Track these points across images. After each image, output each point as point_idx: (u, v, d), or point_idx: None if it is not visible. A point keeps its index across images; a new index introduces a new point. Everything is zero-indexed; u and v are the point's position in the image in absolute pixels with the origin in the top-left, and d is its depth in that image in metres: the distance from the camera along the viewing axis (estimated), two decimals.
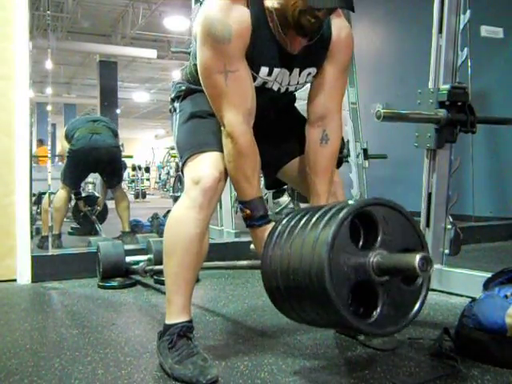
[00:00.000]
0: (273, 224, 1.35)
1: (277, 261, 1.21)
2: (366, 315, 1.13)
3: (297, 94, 1.63)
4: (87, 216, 4.40)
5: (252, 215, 1.41)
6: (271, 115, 1.59)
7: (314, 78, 1.51)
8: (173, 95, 1.63)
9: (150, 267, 2.40)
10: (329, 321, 1.17)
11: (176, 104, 1.61)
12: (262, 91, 1.44)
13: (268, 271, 1.25)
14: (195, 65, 1.46)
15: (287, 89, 1.49)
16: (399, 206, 1.19)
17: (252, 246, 1.49)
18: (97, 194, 4.26)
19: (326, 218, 1.13)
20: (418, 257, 1.04)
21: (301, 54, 1.43)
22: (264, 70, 1.41)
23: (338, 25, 1.49)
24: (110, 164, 3.85)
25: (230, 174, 1.42)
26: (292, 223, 1.23)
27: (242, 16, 1.34)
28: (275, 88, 1.47)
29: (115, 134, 3.95)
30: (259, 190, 1.41)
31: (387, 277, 1.13)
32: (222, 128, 1.40)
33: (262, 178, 1.81)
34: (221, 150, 1.43)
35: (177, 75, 12.36)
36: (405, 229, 1.19)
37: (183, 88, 1.59)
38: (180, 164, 1.51)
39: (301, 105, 1.64)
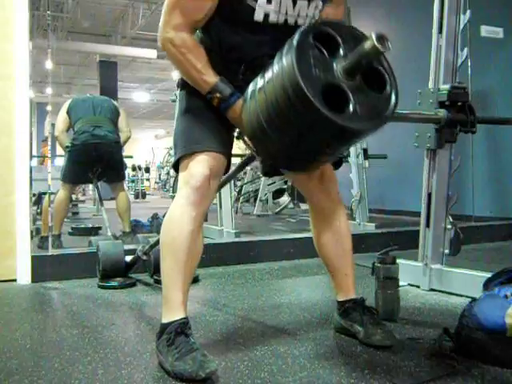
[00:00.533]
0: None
1: (256, 112, 1.28)
2: (340, 111, 1.18)
3: None
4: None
5: (222, 96, 1.41)
6: None
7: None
8: (177, 81, 1.65)
9: (148, 246, 2.38)
10: (309, 126, 1.21)
11: (177, 92, 1.63)
12: (266, 28, 1.40)
13: (253, 128, 1.31)
14: None
15: (296, 21, 1.42)
16: (347, 25, 1.34)
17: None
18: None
19: (287, 45, 1.20)
20: (373, 35, 1.14)
21: None
22: None
23: None
24: (110, 160, 3.84)
25: (185, 77, 1.46)
26: (258, 78, 1.30)
27: None
28: (281, 20, 1.40)
29: (115, 121, 3.92)
30: (216, 75, 1.42)
31: (357, 81, 1.21)
32: (162, 35, 1.44)
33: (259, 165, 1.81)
34: (213, 147, 1.46)
35: (177, 75, 12.35)
36: (357, 38, 1.26)
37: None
38: (173, 160, 1.55)
39: None
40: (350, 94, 1.19)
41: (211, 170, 1.44)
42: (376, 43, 1.14)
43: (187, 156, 1.47)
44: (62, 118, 3.86)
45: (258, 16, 1.38)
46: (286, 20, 1.41)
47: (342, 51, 1.23)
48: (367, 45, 1.16)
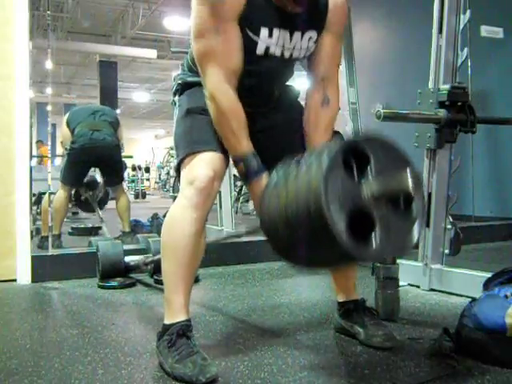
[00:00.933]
0: (268, 175, 1.37)
1: (275, 208, 1.22)
2: (365, 243, 1.14)
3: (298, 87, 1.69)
4: (88, 201, 4.30)
5: (247, 171, 1.43)
6: (276, 93, 1.62)
7: (316, 46, 1.54)
8: (173, 89, 1.65)
9: (150, 259, 2.40)
10: (329, 254, 1.17)
11: (176, 98, 1.64)
12: (265, 60, 1.46)
13: (267, 220, 1.26)
14: (191, 52, 1.49)
15: (291, 54, 1.49)
16: (388, 139, 1.24)
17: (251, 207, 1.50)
18: (98, 179, 4.18)
19: (318, 157, 1.15)
20: (408, 169, 1.11)
21: (300, 16, 1.44)
22: (264, 31, 1.41)
23: None
24: (109, 163, 3.85)
25: (219, 134, 1.45)
26: (288, 170, 1.24)
27: None
28: (278, 53, 1.47)
29: (115, 127, 3.93)
30: (249, 145, 1.43)
31: (384, 204, 1.15)
32: (205, 90, 1.43)
33: None
34: (215, 148, 1.46)
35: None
36: (395, 159, 1.22)
37: (179, 81, 1.62)
38: (175, 162, 1.54)
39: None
40: (377, 221, 1.14)
41: (215, 172, 1.43)
42: (410, 185, 1.10)
43: (190, 156, 1.46)
44: (63, 132, 3.89)
45: (260, 50, 1.45)
46: (282, 52, 1.48)
47: (372, 170, 1.17)
48: (400, 182, 1.12)
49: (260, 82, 1.54)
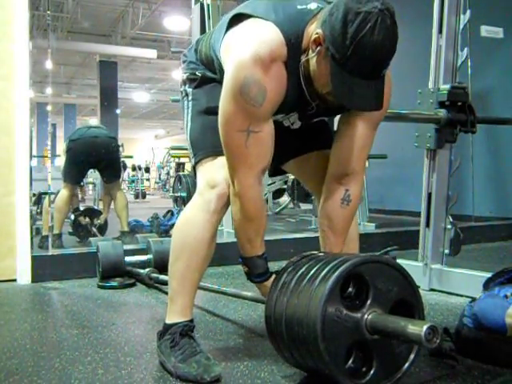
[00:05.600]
0: (272, 278, 1.37)
1: (280, 313, 1.22)
2: (361, 374, 1.14)
3: None
4: (87, 229, 4.22)
5: (251, 272, 1.43)
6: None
7: (343, 129, 1.41)
8: (185, 76, 1.51)
9: (156, 275, 2.37)
10: (325, 376, 1.17)
11: (188, 88, 1.49)
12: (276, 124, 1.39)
13: (272, 322, 1.26)
14: (215, 54, 1.39)
15: (301, 126, 1.47)
16: (391, 261, 1.22)
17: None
18: (97, 208, 4.19)
19: (321, 276, 1.14)
20: (425, 328, 1.00)
21: (321, 107, 1.35)
22: (281, 115, 1.39)
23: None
24: (107, 155, 3.87)
25: (235, 230, 1.41)
26: (292, 276, 1.24)
27: (279, 81, 1.23)
28: (287, 124, 1.46)
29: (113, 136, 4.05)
30: (261, 248, 1.40)
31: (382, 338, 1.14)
32: (231, 186, 1.33)
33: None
34: None
35: (177, 75, 12.35)
36: (398, 281, 1.20)
37: (198, 73, 1.47)
38: (192, 161, 1.47)
39: None
40: (374, 352, 1.14)
41: None
42: (423, 338, 1.01)
43: (211, 158, 1.41)
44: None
45: (286, 123, 1.45)
46: (289, 126, 1.46)
47: (371, 298, 1.15)
48: (413, 332, 1.03)
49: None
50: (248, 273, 1.43)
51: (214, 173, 1.39)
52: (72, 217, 4.16)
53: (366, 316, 1.13)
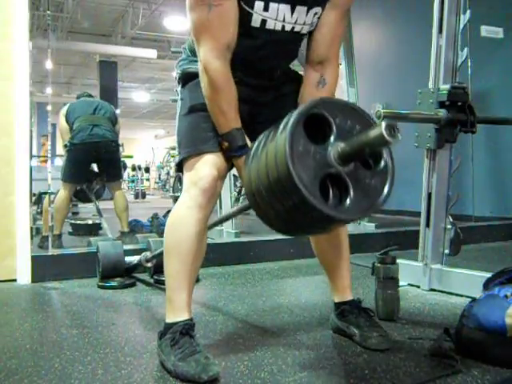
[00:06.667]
0: None
1: (254, 174, 1.24)
2: (338, 205, 1.16)
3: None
4: (85, 192, 4.23)
5: (230, 147, 1.43)
6: (278, 71, 1.57)
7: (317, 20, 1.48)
8: (177, 76, 1.62)
9: (151, 254, 2.38)
10: (307, 217, 1.18)
11: (179, 88, 1.60)
12: (264, 34, 1.42)
13: (250, 190, 1.27)
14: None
15: (293, 28, 1.44)
16: (346, 101, 1.28)
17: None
18: (95, 170, 4.15)
19: (282, 126, 1.17)
20: (383, 124, 1.05)
21: None
22: (259, 4, 1.37)
23: None
24: (108, 158, 3.85)
25: (207, 107, 1.44)
26: (262, 139, 1.26)
27: None
28: (278, 27, 1.42)
29: (114, 123, 3.95)
30: (237, 122, 1.42)
31: (352, 165, 1.17)
32: (199, 62, 1.41)
33: None
34: (218, 147, 1.45)
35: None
36: (358, 119, 1.22)
37: (183, 70, 1.58)
38: (177, 160, 1.53)
39: None
40: (348, 182, 1.16)
41: (218, 171, 1.43)
42: (385, 133, 1.04)
43: (193, 156, 1.46)
44: (63, 129, 3.87)
45: (255, 22, 1.41)
46: (283, 26, 1.43)
47: (335, 134, 1.18)
48: (374, 133, 1.08)
49: (260, 57, 1.49)
50: (228, 148, 1.43)
51: (197, 169, 1.44)
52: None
53: (333, 148, 1.16)
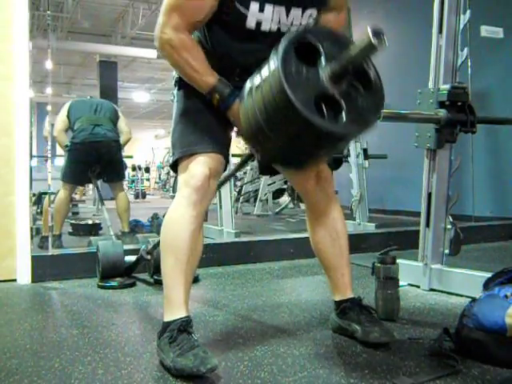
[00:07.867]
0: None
1: (251, 112, 1.26)
2: (333, 121, 1.19)
3: None
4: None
5: (221, 97, 1.43)
6: None
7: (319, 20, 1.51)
8: (173, 80, 1.64)
9: (151, 246, 2.38)
10: (309, 138, 1.21)
11: (175, 91, 1.63)
12: (259, 35, 1.42)
13: (248, 128, 1.30)
14: None
15: (289, 29, 1.45)
16: (328, 28, 1.36)
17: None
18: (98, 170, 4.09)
19: (272, 58, 1.21)
20: (369, 30, 1.09)
21: None
22: (254, 6, 1.38)
23: None
24: (110, 159, 3.84)
25: (184, 78, 1.46)
26: (252, 78, 1.29)
27: None
28: (274, 28, 1.43)
29: (115, 122, 3.95)
30: (214, 74, 1.43)
31: (344, 86, 1.20)
32: (159, 35, 1.41)
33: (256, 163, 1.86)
34: (212, 149, 1.48)
35: (175, 74, 12.33)
36: (341, 43, 1.26)
37: (177, 74, 1.59)
38: (171, 160, 1.56)
39: None
40: (341, 101, 1.19)
41: (211, 170, 1.47)
42: (372, 39, 1.10)
43: (186, 157, 1.49)
44: (61, 119, 3.86)
45: (250, 24, 1.41)
46: (278, 28, 1.44)
47: (324, 58, 1.22)
48: (362, 42, 1.13)
49: (257, 59, 1.44)
50: (221, 100, 1.43)
51: (189, 169, 1.47)
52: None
53: (324, 70, 1.20)
